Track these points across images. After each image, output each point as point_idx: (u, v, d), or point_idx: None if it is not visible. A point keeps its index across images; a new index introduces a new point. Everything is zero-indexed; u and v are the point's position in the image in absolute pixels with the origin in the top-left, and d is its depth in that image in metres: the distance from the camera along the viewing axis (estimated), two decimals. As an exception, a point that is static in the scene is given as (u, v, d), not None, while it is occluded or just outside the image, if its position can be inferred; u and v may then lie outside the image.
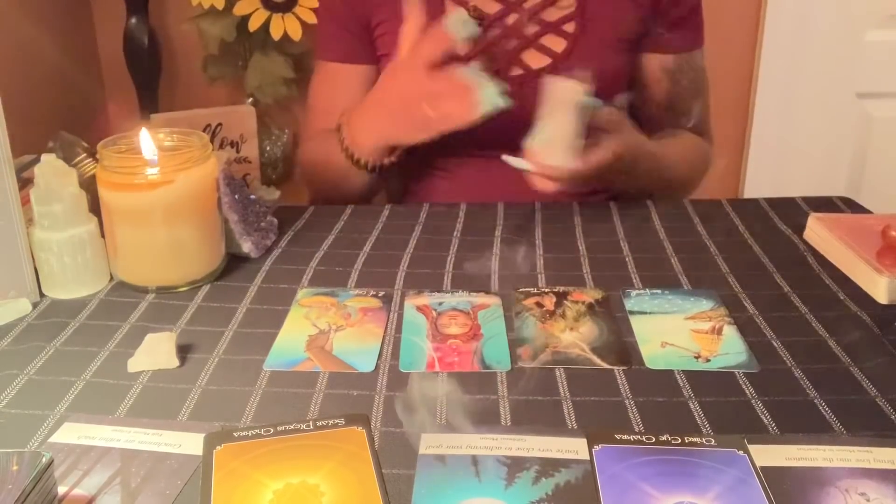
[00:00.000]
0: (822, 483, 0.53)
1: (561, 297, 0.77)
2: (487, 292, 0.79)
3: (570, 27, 1.05)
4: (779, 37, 1.83)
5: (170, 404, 0.62)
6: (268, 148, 1.67)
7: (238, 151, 1.09)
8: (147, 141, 0.79)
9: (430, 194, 1.10)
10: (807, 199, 1.01)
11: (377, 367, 0.67)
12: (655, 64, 1.10)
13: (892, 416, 0.60)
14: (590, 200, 1.03)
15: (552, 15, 1.05)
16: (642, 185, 1.04)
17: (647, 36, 1.08)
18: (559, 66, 1.03)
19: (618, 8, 1.06)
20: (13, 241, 0.76)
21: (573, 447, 0.57)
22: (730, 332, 0.71)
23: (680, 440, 0.57)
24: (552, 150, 0.87)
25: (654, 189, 1.06)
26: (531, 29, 1.05)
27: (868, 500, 0.52)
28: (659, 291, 0.78)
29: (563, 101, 0.87)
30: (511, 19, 1.05)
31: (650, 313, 0.75)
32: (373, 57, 1.12)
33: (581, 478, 0.54)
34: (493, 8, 1.05)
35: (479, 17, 1.03)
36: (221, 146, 1.09)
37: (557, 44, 1.05)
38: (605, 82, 0.93)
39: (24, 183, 0.85)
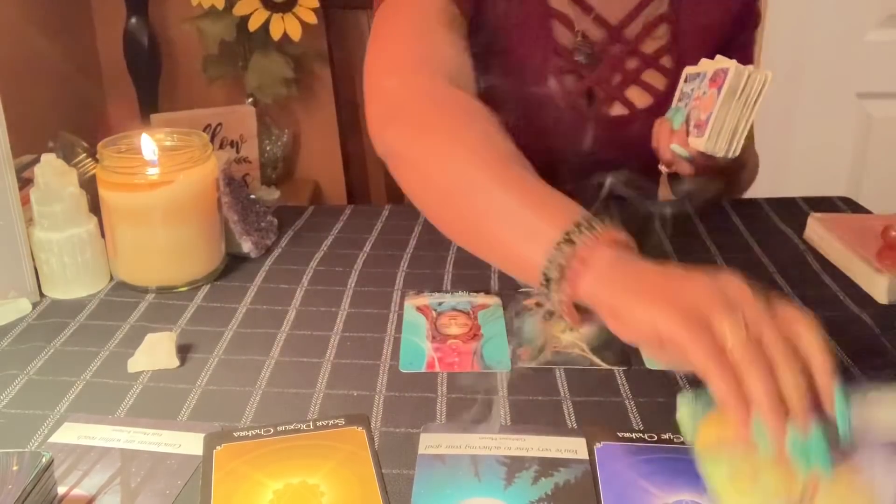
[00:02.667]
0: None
1: (561, 297, 0.77)
2: (487, 292, 0.79)
3: (666, 61, 1.00)
4: (779, 37, 1.83)
5: (170, 404, 0.62)
6: (268, 148, 1.67)
7: (238, 151, 1.09)
8: (148, 144, 0.79)
9: None
10: (807, 199, 1.01)
11: (377, 367, 0.67)
12: None
13: (892, 416, 0.60)
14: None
15: (649, 47, 1.00)
16: (724, 188, 1.01)
17: None
18: (661, 104, 0.98)
19: (707, 37, 1.01)
20: (13, 241, 0.76)
21: (573, 447, 0.56)
22: (730, 331, 0.71)
23: (682, 439, 0.57)
24: (718, 139, 0.82)
25: (724, 194, 1.03)
26: (632, 63, 1.00)
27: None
28: (659, 291, 0.78)
29: (753, 91, 0.82)
30: (614, 49, 0.99)
31: (650, 313, 0.74)
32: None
33: (581, 477, 0.54)
34: (597, 34, 0.99)
35: (590, 45, 0.98)
36: (221, 146, 1.09)
37: (657, 80, 1.00)
38: None
39: (24, 183, 0.85)
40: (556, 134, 0.96)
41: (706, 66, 0.89)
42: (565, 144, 0.93)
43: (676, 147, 0.85)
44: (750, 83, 0.81)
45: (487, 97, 0.77)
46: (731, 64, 0.82)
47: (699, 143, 0.83)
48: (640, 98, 1.00)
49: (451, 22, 0.85)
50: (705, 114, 0.84)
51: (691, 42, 1.00)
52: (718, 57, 0.89)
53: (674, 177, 0.96)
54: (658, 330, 0.50)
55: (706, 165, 0.85)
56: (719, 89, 0.83)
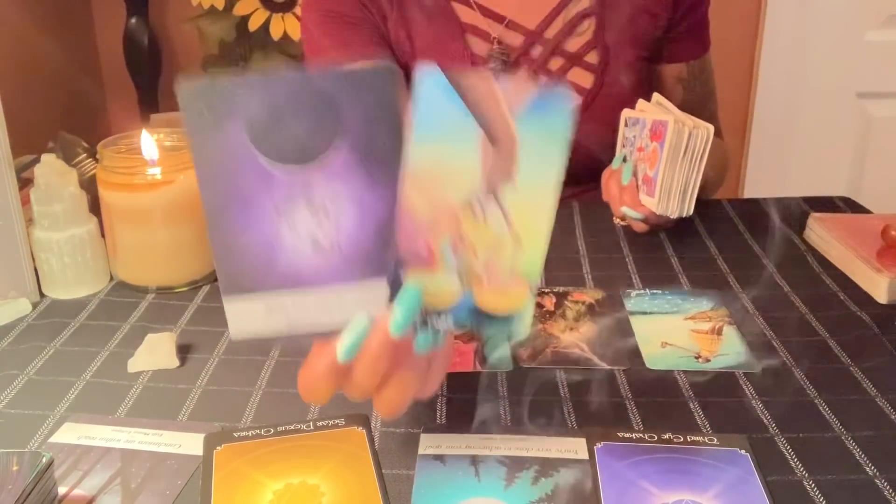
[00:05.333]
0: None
1: (561, 297, 0.77)
2: (487, 292, 0.79)
3: (592, 57, 1.00)
4: (779, 37, 1.83)
5: (170, 404, 0.62)
6: (268, 148, 1.67)
7: (238, 151, 1.09)
8: (148, 142, 0.78)
9: None
10: (807, 199, 1.01)
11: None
12: (669, 74, 1.08)
13: (892, 416, 0.60)
14: (588, 199, 1.03)
15: (573, 45, 1.00)
16: None
17: (660, 48, 1.06)
18: (591, 104, 0.98)
19: (636, 27, 1.01)
20: (13, 241, 0.76)
21: (573, 447, 0.56)
22: (730, 332, 0.71)
23: (682, 439, 0.57)
24: (669, 201, 0.81)
25: None
26: (556, 63, 1.00)
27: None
28: (659, 291, 0.78)
29: (698, 148, 0.80)
30: (535, 52, 1.00)
31: (650, 313, 0.75)
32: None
33: (581, 477, 0.54)
34: (515, 40, 1.00)
35: (505, 52, 0.98)
36: (221, 146, 1.09)
37: (584, 78, 1.00)
38: (632, 104, 0.91)
39: (24, 183, 0.85)
40: None
41: (644, 110, 0.87)
42: None
43: (628, 210, 0.85)
44: (692, 140, 0.80)
45: None
46: (669, 117, 0.80)
47: (650, 204, 0.82)
48: None
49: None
50: (651, 169, 0.82)
51: (618, 33, 0.99)
52: (655, 97, 0.87)
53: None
54: None
55: (661, 221, 0.86)
56: (661, 145, 0.81)
